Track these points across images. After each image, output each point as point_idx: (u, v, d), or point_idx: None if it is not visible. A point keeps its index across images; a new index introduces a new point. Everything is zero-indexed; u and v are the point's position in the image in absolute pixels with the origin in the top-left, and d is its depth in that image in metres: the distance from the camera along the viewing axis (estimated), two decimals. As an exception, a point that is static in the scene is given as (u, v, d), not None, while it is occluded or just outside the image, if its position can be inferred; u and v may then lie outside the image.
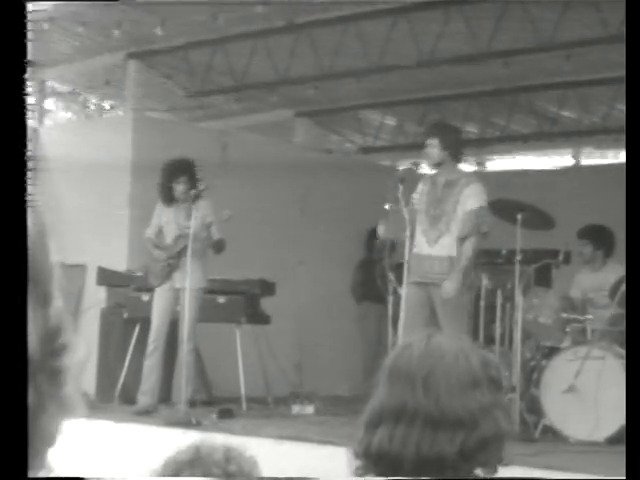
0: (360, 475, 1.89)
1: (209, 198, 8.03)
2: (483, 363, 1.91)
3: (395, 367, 1.91)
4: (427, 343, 1.92)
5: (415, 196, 7.31)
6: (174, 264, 8.07)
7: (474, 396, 1.86)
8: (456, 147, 7.25)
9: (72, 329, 0.85)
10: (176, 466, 1.94)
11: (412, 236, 7.18)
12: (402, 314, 7.05)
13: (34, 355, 0.77)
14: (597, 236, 8.17)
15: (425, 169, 9.06)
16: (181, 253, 7.98)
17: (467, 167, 7.47)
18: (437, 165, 7.22)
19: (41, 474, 0.81)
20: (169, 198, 8.18)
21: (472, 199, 7.08)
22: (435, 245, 7.09)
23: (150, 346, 8.15)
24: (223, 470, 1.92)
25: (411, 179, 7.35)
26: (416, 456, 1.82)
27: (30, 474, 0.79)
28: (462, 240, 7.05)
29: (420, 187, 7.34)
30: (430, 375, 1.86)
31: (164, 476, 1.93)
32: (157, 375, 8.17)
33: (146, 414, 7.90)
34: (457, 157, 7.27)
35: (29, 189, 0.78)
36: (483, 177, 8.31)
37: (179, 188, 8.09)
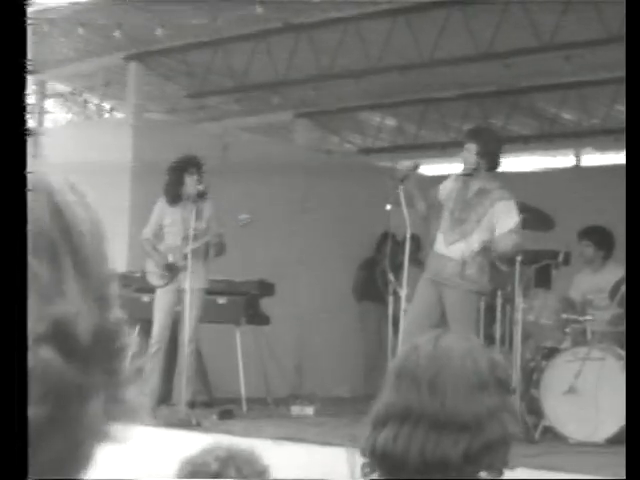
0: (366, 474, 1.90)
1: (215, 199, 8.02)
2: (491, 365, 1.90)
3: (402, 368, 1.91)
4: (435, 344, 1.92)
5: (442, 190, 7.26)
6: (183, 265, 8.00)
7: (481, 398, 1.85)
8: (494, 156, 7.09)
9: (130, 334, 0.87)
10: (194, 468, 1.94)
11: (428, 231, 7.18)
12: (410, 306, 7.04)
13: (90, 356, 0.78)
14: (599, 237, 8.17)
15: (424, 169, 9.06)
16: (188, 254, 7.93)
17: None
18: (471, 170, 7.10)
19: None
20: (176, 197, 8.12)
21: (506, 218, 6.97)
22: (450, 247, 7.08)
23: (152, 348, 8.11)
24: (253, 470, 1.93)
25: (411, 179, 7.33)
26: (419, 457, 1.82)
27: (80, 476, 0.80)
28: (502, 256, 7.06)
29: (450, 184, 7.24)
30: (436, 377, 1.86)
31: (181, 478, 1.94)
32: (158, 376, 8.15)
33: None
34: (493, 166, 7.13)
35: (29, 190, 0.79)
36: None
37: (190, 181, 8.03)
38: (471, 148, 7.06)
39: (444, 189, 7.25)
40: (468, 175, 7.15)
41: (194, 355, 8.19)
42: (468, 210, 7.06)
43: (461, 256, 7.01)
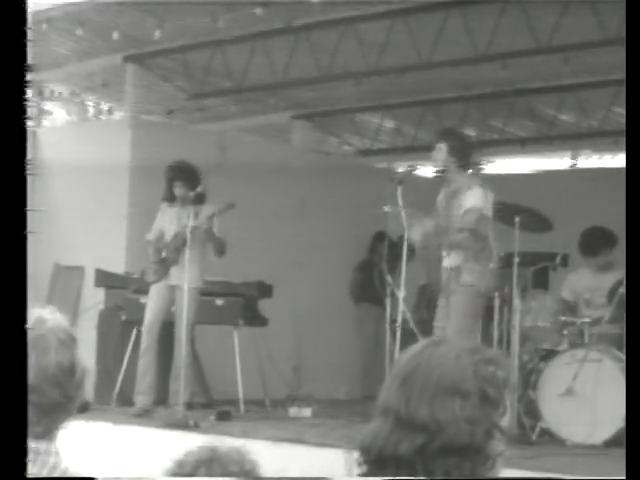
0: (357, 467, 1.92)
1: (214, 202, 8.05)
2: (483, 378, 1.86)
3: (391, 366, 1.96)
4: (424, 347, 1.93)
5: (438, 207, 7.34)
6: (172, 259, 8.06)
7: (451, 406, 1.83)
8: (463, 155, 7.18)
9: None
10: (193, 465, 1.94)
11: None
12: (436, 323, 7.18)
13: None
14: (607, 237, 8.16)
15: (422, 171, 9.05)
16: (179, 249, 7.98)
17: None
18: (442, 170, 7.19)
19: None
20: (172, 197, 8.23)
21: (468, 201, 7.02)
22: (446, 257, 7.13)
23: (143, 344, 8.15)
24: (241, 468, 1.93)
25: (409, 182, 7.34)
26: (378, 450, 1.85)
27: None
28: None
29: (439, 199, 7.30)
30: (409, 376, 1.88)
31: (180, 476, 1.94)
32: (152, 374, 8.16)
33: (144, 414, 7.89)
34: (463, 165, 7.18)
35: (28, 190, 0.79)
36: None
37: (176, 192, 8.15)
38: (442, 147, 7.15)
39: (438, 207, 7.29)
40: (440, 176, 7.24)
41: (191, 356, 8.19)
42: (448, 216, 7.10)
43: (454, 263, 7.04)
